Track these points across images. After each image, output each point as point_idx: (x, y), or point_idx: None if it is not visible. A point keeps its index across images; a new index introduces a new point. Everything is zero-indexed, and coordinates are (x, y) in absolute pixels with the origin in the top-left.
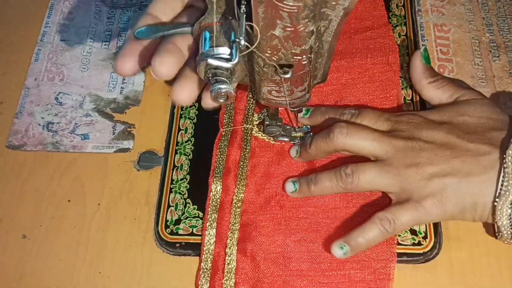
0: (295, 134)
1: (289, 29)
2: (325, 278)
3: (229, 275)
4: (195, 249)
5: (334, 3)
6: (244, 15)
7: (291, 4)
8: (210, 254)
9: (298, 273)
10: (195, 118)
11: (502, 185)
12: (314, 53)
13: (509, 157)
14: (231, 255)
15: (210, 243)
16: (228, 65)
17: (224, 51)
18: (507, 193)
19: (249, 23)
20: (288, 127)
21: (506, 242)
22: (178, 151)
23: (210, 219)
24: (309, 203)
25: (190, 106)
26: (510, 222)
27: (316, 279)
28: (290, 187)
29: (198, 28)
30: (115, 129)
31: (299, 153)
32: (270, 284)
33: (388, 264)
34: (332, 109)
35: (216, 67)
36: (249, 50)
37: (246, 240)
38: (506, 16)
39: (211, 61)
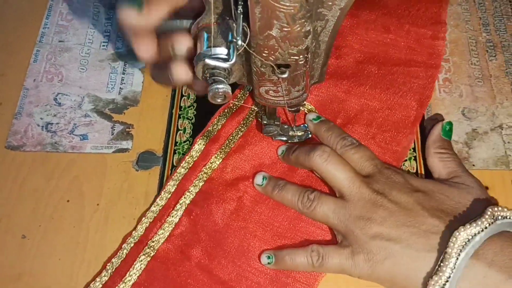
0: (293, 134)
1: (286, 29)
2: (249, 269)
3: (167, 226)
4: None
5: (330, 3)
6: (241, 16)
7: (287, 4)
8: (162, 201)
9: (225, 254)
10: (194, 118)
11: (439, 265)
12: (311, 53)
13: (454, 239)
14: (178, 211)
15: (168, 192)
16: (225, 65)
17: (222, 51)
18: (441, 274)
19: (245, 23)
20: (286, 127)
21: None
22: (176, 151)
23: (179, 172)
24: (271, 205)
25: (189, 106)
26: None
27: (241, 267)
28: (258, 179)
29: (196, 29)
30: (114, 129)
31: (283, 155)
32: (197, 252)
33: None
34: (337, 129)
35: (214, 67)
36: (243, 47)
37: (197, 204)
38: (503, 15)
39: (208, 61)
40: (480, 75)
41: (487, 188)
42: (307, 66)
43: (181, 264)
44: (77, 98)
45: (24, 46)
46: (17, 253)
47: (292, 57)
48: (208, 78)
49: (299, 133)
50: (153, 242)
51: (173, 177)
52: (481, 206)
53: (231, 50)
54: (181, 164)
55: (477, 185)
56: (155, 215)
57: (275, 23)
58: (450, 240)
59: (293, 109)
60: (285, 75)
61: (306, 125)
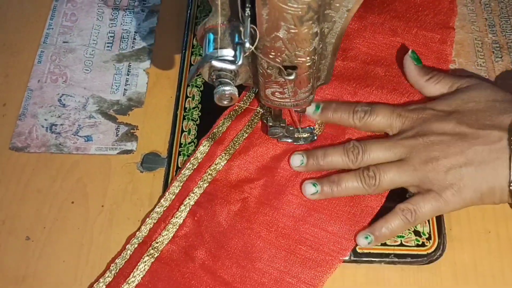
0: (298, 135)
1: (293, 31)
2: (253, 269)
3: (171, 227)
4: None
5: (337, 5)
6: (249, 18)
7: (295, 6)
8: (166, 202)
9: (229, 255)
10: (198, 119)
11: None
12: (318, 55)
13: None
14: (182, 212)
15: (173, 193)
16: (232, 67)
17: (228, 53)
18: None
19: (253, 25)
20: (291, 128)
21: None
22: (181, 153)
23: (183, 173)
24: (275, 205)
25: (193, 108)
26: None
27: (245, 267)
28: (310, 189)
29: (202, 30)
30: (118, 130)
31: (306, 163)
32: (201, 253)
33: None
34: (343, 106)
35: (220, 69)
36: (250, 50)
37: (201, 206)
38: (509, 16)
39: (215, 63)
40: (486, 76)
41: None
42: (314, 68)
43: (185, 265)
44: (82, 99)
45: (28, 47)
46: (21, 254)
47: (299, 59)
48: (214, 80)
49: (305, 135)
50: (157, 243)
51: (177, 178)
52: (501, 92)
53: (237, 52)
54: (186, 166)
55: (478, 78)
56: (159, 216)
57: (282, 25)
58: (510, 142)
59: (299, 110)
60: (291, 77)
61: (312, 127)
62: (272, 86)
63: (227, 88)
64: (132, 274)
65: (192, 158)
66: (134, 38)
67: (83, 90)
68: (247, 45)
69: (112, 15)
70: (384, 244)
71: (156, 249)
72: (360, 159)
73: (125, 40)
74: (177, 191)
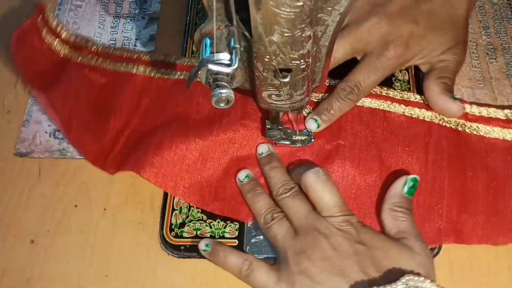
0: (296, 138)
1: (286, 34)
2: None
3: None
4: (200, 251)
5: (330, 8)
6: (243, 22)
7: (288, 10)
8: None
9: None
10: None
11: None
12: (312, 58)
13: None
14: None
15: None
16: (228, 70)
17: (224, 56)
18: None
19: (247, 30)
20: (289, 131)
21: None
22: None
23: None
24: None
25: None
26: None
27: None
28: (242, 175)
29: (199, 35)
30: None
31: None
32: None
33: None
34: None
35: (217, 73)
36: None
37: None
38: (503, 18)
39: (211, 66)
40: (481, 77)
41: None
42: (308, 70)
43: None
44: None
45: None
46: (26, 258)
47: (293, 62)
48: (211, 83)
49: (302, 138)
50: None
51: None
52: (412, 264)
53: (233, 56)
54: None
55: (424, 253)
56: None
57: (276, 29)
58: None
59: (295, 110)
60: (287, 79)
61: (309, 130)
62: (268, 89)
63: (223, 91)
64: None
65: None
66: (135, 45)
67: None
68: (242, 48)
69: (113, 23)
70: None
71: None
72: (281, 197)
73: (126, 47)
74: None
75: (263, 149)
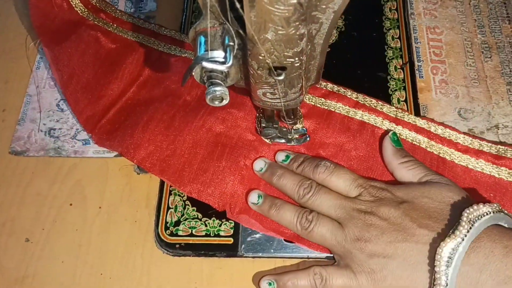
0: (291, 136)
1: (280, 32)
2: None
3: None
4: (195, 249)
5: (324, 6)
6: (237, 20)
7: (282, 8)
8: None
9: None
10: None
11: (433, 283)
12: (306, 55)
13: (438, 256)
14: None
15: None
16: (222, 67)
17: (219, 54)
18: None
19: (241, 27)
20: (284, 129)
21: None
22: None
23: None
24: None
25: None
26: None
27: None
28: (253, 197)
29: (193, 33)
30: None
31: (264, 171)
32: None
33: None
34: (310, 160)
35: (211, 70)
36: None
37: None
38: (498, 17)
39: (206, 64)
40: (476, 76)
41: None
42: (303, 68)
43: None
44: None
45: (28, 54)
46: (21, 256)
47: (288, 60)
48: (206, 81)
49: (298, 136)
50: None
51: None
52: (462, 202)
53: (227, 54)
54: None
55: (451, 182)
56: None
57: (270, 27)
58: (436, 258)
59: (290, 122)
60: (281, 77)
61: (304, 128)
62: (263, 86)
63: (218, 88)
64: None
65: None
66: None
67: None
68: (236, 46)
69: None
70: None
71: None
72: (307, 198)
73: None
74: None
75: (260, 164)
